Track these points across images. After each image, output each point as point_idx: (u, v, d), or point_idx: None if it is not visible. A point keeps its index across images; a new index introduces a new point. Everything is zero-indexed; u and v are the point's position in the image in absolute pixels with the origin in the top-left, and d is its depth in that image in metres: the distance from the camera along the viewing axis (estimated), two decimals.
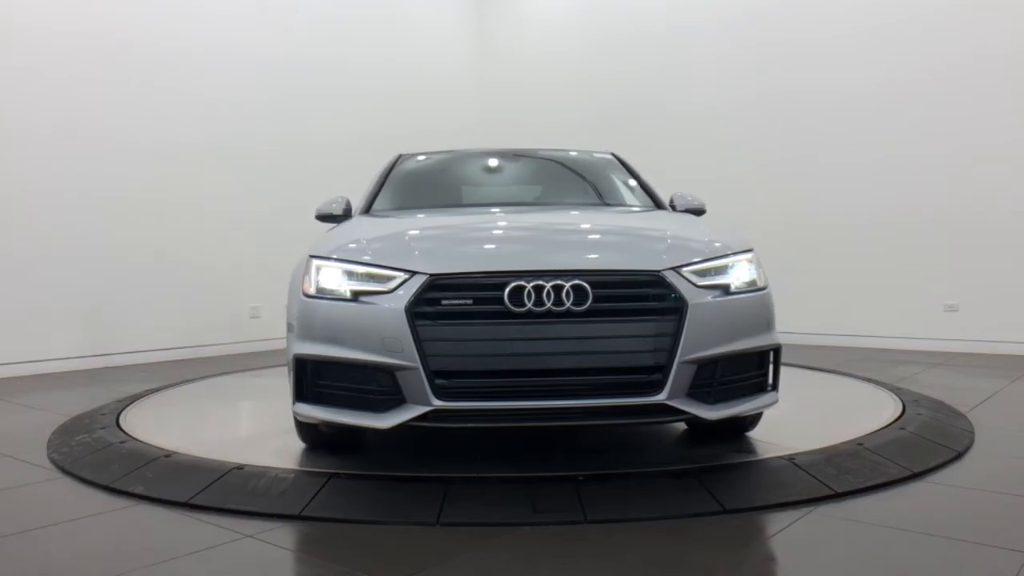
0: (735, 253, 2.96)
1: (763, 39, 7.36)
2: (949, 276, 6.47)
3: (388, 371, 2.64)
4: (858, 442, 3.19)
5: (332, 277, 2.84)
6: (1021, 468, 3.12)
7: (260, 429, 3.86)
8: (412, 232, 3.17)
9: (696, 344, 2.66)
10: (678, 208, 3.97)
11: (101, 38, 6.21)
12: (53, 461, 3.27)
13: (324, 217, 3.87)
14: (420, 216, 3.69)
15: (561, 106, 8.56)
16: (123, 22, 6.33)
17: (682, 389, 2.66)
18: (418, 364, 2.59)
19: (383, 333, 2.64)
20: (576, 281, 2.61)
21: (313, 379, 2.84)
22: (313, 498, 2.64)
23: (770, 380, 2.98)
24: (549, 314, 2.59)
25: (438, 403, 2.59)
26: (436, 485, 2.72)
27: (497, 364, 2.62)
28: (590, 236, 3.23)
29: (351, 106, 7.86)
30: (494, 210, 3.75)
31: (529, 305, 2.59)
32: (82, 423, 3.86)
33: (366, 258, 2.85)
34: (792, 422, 3.83)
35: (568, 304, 2.59)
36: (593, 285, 2.62)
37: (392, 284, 2.70)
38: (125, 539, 2.45)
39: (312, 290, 2.87)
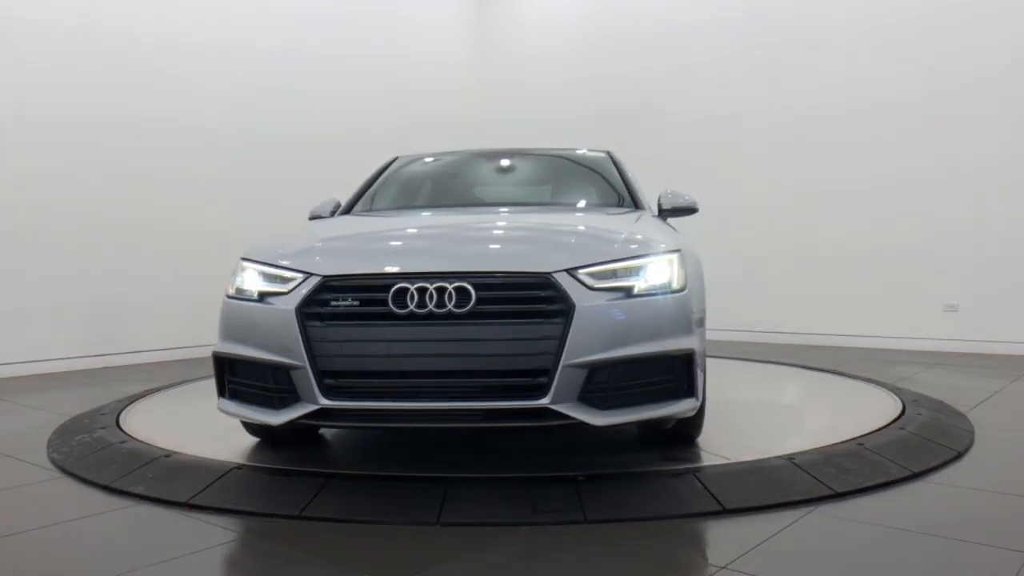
0: (651, 254, 2.85)
1: (763, 39, 7.36)
2: (949, 276, 6.47)
3: (284, 370, 2.70)
4: (858, 442, 3.19)
5: (248, 278, 2.94)
6: (1021, 468, 3.12)
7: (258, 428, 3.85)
8: (326, 234, 3.27)
9: (584, 348, 2.57)
10: (664, 207, 3.92)
11: (101, 35, 6.21)
12: (53, 461, 3.27)
13: (315, 218, 3.97)
14: (374, 218, 3.85)
15: (561, 106, 8.56)
16: (123, 19, 6.33)
17: (570, 393, 2.57)
18: (306, 364, 2.64)
19: (278, 333, 2.72)
20: (459, 283, 2.61)
21: (228, 376, 2.96)
22: (313, 498, 2.64)
23: (685, 386, 2.79)
24: (431, 316, 2.60)
25: (325, 402, 2.64)
26: (436, 485, 2.72)
27: (380, 365, 2.64)
28: (496, 237, 3.24)
29: (351, 106, 7.86)
30: (454, 212, 3.85)
31: (412, 307, 2.60)
32: (82, 423, 3.86)
33: (275, 260, 2.92)
34: (792, 422, 3.83)
35: (450, 306, 2.59)
36: (477, 287, 2.61)
37: (291, 285, 2.78)
38: (125, 539, 2.45)
39: (232, 290, 2.98)
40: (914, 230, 6.61)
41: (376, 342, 2.64)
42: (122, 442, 3.40)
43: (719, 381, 5.06)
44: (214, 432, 3.50)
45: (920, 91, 6.57)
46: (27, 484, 3.01)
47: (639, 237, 3.01)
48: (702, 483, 2.70)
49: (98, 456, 3.23)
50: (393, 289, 2.63)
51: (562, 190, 4.37)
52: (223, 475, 2.87)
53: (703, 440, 3.31)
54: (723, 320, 7.32)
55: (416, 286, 2.61)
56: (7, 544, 2.38)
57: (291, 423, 2.71)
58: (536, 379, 2.58)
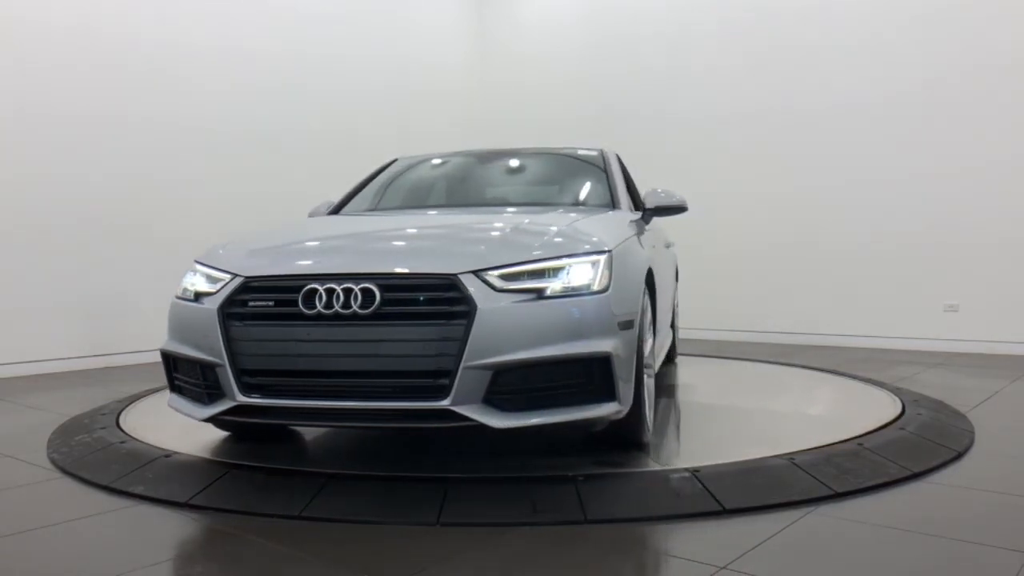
0: (570, 256, 2.80)
1: (763, 39, 7.36)
2: (949, 276, 6.47)
3: (211, 367, 2.81)
4: (858, 442, 3.19)
5: (192, 279, 3.06)
6: (1021, 468, 3.12)
7: (266, 431, 3.85)
8: (267, 235, 3.37)
9: (487, 350, 2.56)
10: (648, 206, 3.88)
11: (101, 35, 6.21)
12: (53, 461, 3.27)
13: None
14: (344, 218, 3.98)
15: (561, 106, 8.56)
16: (123, 19, 6.33)
17: (473, 395, 2.57)
18: (226, 361, 2.75)
19: (204, 331, 2.83)
20: (365, 284, 2.65)
21: (173, 373, 3.11)
22: (313, 498, 2.64)
23: (604, 389, 2.73)
24: (338, 316, 2.64)
25: (242, 399, 2.74)
26: (436, 485, 2.72)
27: (291, 364, 2.71)
28: (414, 237, 3.27)
29: (351, 106, 7.86)
30: (419, 213, 3.98)
31: (319, 308, 2.65)
32: (82, 423, 3.86)
33: (212, 261, 3.04)
34: (792, 422, 3.83)
35: (355, 307, 2.63)
36: (383, 288, 2.64)
37: (218, 286, 2.89)
38: (125, 539, 2.45)
39: (179, 291, 3.11)
40: (914, 230, 6.61)
41: (287, 342, 2.71)
42: (122, 442, 3.40)
43: (719, 381, 5.07)
44: (214, 432, 3.50)
45: (920, 91, 6.57)
46: (27, 484, 3.01)
47: (559, 240, 2.93)
48: (702, 483, 2.70)
49: (98, 456, 3.23)
50: (304, 290, 2.69)
51: (547, 189, 4.36)
52: (223, 475, 2.87)
53: (704, 439, 3.31)
54: (723, 320, 7.34)
55: (325, 287, 2.68)
56: (7, 544, 2.38)
57: (213, 418, 2.86)
58: (437, 380, 2.59)
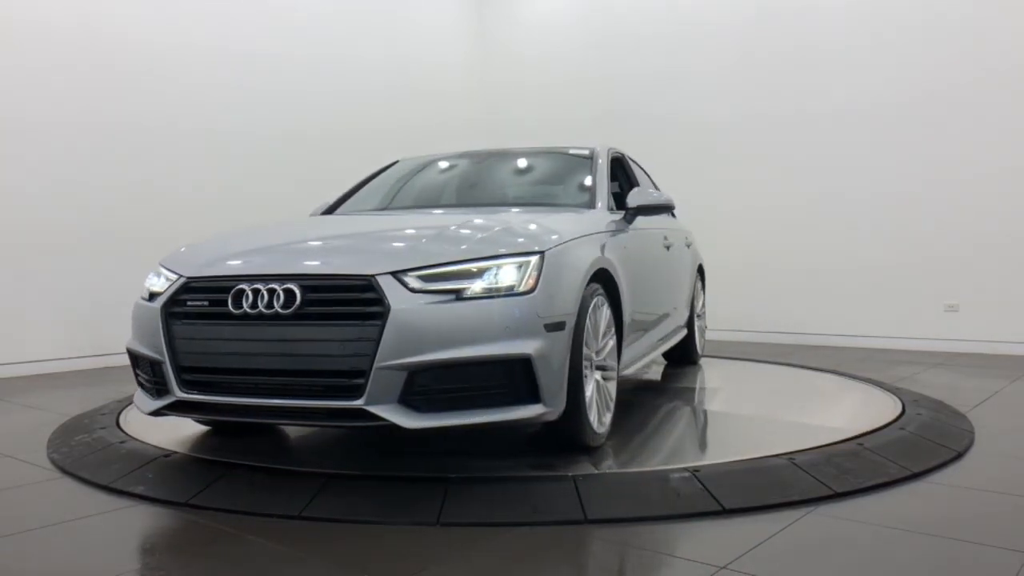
0: (495, 257, 2.79)
1: (763, 39, 7.36)
2: (949, 276, 6.47)
3: (158, 364, 2.94)
4: (858, 442, 3.19)
5: (152, 279, 3.18)
6: (1021, 468, 3.12)
7: (259, 429, 3.86)
8: (221, 238, 3.47)
9: (401, 350, 2.58)
10: (630, 205, 3.83)
11: (99, 34, 6.21)
12: (53, 461, 3.27)
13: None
14: (318, 219, 4.09)
15: (561, 106, 8.56)
16: (122, 20, 6.33)
17: (388, 395, 2.59)
18: (166, 358, 2.88)
19: (151, 329, 2.97)
20: (288, 285, 2.72)
21: (135, 369, 3.25)
22: (313, 498, 2.64)
23: (526, 391, 2.71)
24: (261, 316, 2.72)
25: (180, 394, 2.85)
26: (436, 485, 2.72)
27: (222, 362, 2.82)
28: (341, 238, 3.32)
29: (351, 106, 7.86)
30: (394, 214, 4.03)
31: (246, 307, 2.74)
32: (82, 423, 3.86)
33: (168, 262, 3.17)
34: (792, 422, 3.83)
35: (277, 307, 2.70)
36: (304, 289, 2.70)
37: (166, 285, 3.03)
38: (125, 539, 2.45)
39: (144, 291, 3.23)
40: (914, 230, 6.61)
41: (218, 340, 2.82)
42: (122, 442, 3.40)
43: (719, 381, 5.07)
44: (214, 432, 3.50)
45: (920, 93, 6.57)
46: (27, 484, 3.02)
47: (486, 241, 2.92)
48: (702, 483, 2.70)
49: (98, 456, 3.24)
50: (233, 290, 2.79)
51: (530, 189, 4.33)
52: (223, 475, 2.88)
53: (703, 439, 3.31)
54: (723, 320, 7.33)
55: (252, 287, 2.76)
56: (7, 544, 2.38)
57: (157, 412, 2.98)
58: (352, 380, 2.61)
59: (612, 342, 3.34)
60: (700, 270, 5.58)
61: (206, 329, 2.86)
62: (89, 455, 3.26)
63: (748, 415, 3.99)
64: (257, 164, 7.10)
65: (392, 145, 7.46)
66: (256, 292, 2.74)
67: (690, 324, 5.29)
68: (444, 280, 2.70)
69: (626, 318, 3.53)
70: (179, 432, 3.50)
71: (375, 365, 2.57)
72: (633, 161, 4.92)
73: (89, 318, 6.11)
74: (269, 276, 2.79)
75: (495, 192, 4.32)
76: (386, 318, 2.59)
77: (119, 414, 4.00)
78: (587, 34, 8.53)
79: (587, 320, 3.00)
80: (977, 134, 6.32)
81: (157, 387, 2.99)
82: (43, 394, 5.00)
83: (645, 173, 5.12)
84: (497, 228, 3.07)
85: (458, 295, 2.68)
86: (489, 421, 2.69)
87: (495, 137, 8.54)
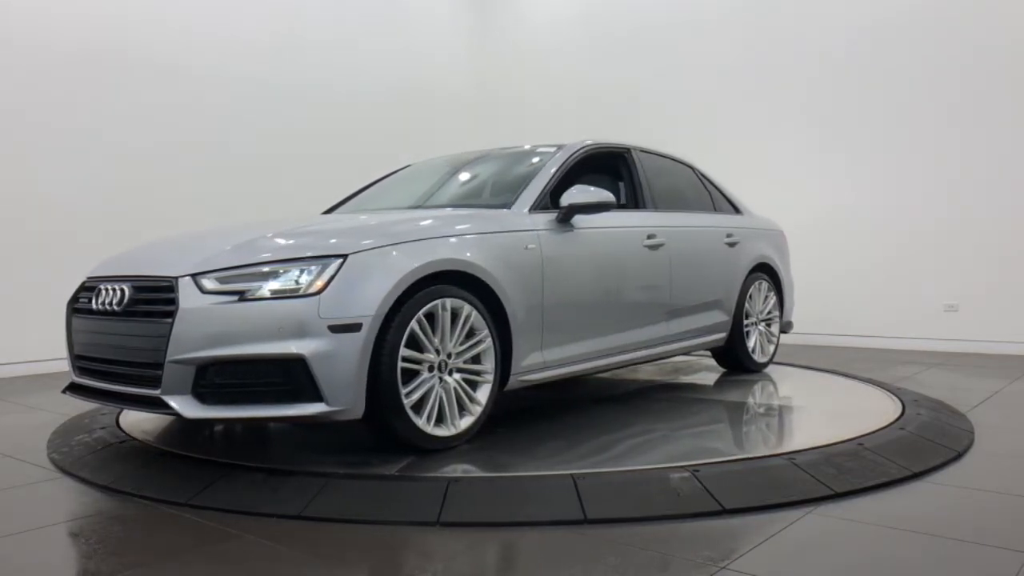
0: (288, 260, 2.91)
1: (764, 38, 7.37)
2: (949, 276, 6.47)
3: (71, 351, 3.41)
4: (858, 442, 3.19)
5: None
6: (1021, 468, 3.12)
7: (259, 428, 3.86)
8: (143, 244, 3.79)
9: (187, 346, 2.81)
10: (561, 204, 3.67)
11: (97, 45, 6.21)
12: (53, 461, 3.28)
13: None
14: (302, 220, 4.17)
15: (561, 106, 8.56)
16: (121, 20, 6.34)
17: (182, 387, 2.83)
18: (68, 347, 3.40)
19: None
20: (122, 285, 3.11)
21: None
22: (313, 498, 2.64)
23: (308, 389, 2.79)
24: (103, 312, 3.14)
25: (74, 378, 3.34)
26: (436, 485, 2.72)
27: (88, 351, 3.26)
28: (189, 243, 3.42)
29: (350, 106, 7.86)
30: (357, 215, 4.08)
31: (96, 304, 3.18)
32: (82, 423, 3.86)
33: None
34: (792, 422, 3.83)
35: (114, 305, 3.09)
36: (133, 289, 3.07)
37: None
38: (125, 539, 2.45)
39: None
40: (914, 230, 6.61)
41: (86, 332, 3.28)
42: (122, 442, 3.40)
43: (719, 381, 5.07)
44: (214, 432, 3.50)
45: (920, 92, 6.57)
46: (27, 484, 3.02)
47: (287, 245, 3.07)
48: (702, 483, 2.70)
49: (98, 456, 3.24)
50: (96, 289, 3.24)
51: (479, 189, 4.24)
52: (223, 475, 2.87)
53: (703, 439, 3.31)
54: None
55: (105, 287, 3.18)
56: (7, 544, 2.38)
57: (63, 392, 3.39)
58: (154, 372, 2.90)
59: (485, 345, 3.25)
60: (765, 268, 5.19)
61: (80, 322, 3.31)
62: (89, 455, 3.26)
63: (748, 415, 3.99)
64: (255, 164, 7.10)
65: (392, 145, 7.47)
66: (106, 291, 3.16)
67: (736, 328, 4.90)
68: (236, 282, 2.90)
69: (516, 322, 3.38)
70: (179, 432, 3.51)
71: (167, 359, 2.84)
72: (663, 155, 4.76)
73: None
74: (115, 277, 3.20)
75: (450, 194, 4.30)
76: (175, 316, 2.85)
77: (119, 414, 4.00)
78: (587, 34, 8.53)
79: (413, 323, 2.97)
80: (977, 135, 6.32)
81: (74, 371, 3.42)
82: (43, 394, 4.99)
83: (705, 177, 5.10)
84: (314, 232, 3.28)
85: (241, 296, 2.85)
86: (272, 416, 2.88)
87: (496, 137, 8.53)
